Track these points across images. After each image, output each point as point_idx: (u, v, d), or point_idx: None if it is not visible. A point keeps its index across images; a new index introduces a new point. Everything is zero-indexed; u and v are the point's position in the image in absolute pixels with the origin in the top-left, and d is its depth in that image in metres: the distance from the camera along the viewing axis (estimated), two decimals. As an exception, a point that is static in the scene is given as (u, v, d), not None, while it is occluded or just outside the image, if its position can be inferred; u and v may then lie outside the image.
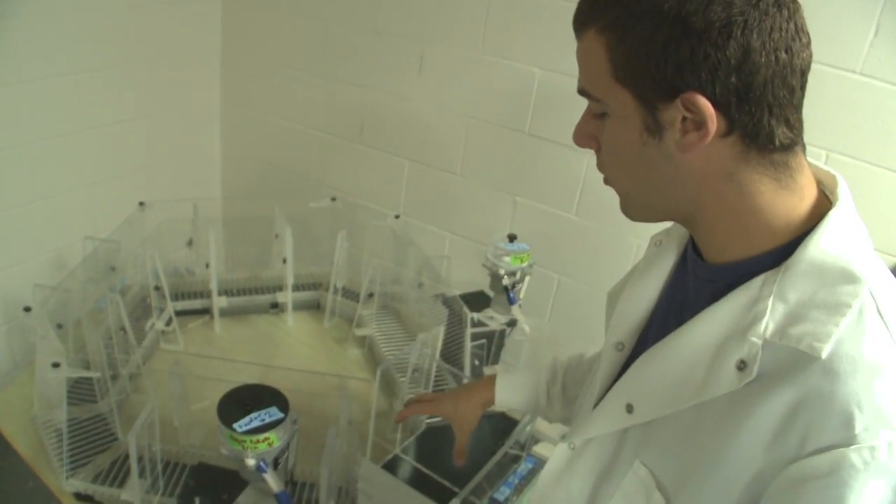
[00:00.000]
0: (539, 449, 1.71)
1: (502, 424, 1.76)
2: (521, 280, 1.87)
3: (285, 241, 2.00)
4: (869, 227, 0.75)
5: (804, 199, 0.73)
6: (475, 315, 1.81)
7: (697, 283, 0.82)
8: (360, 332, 2.03)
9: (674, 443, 0.78)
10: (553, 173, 2.15)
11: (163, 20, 2.35)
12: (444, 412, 1.35)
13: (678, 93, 0.68)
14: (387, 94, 2.35)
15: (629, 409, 0.82)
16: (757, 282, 0.72)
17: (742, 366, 0.70)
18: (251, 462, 1.20)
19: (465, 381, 1.80)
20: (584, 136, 0.81)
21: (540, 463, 1.79)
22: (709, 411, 0.73)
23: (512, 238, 1.82)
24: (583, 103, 0.81)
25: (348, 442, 1.47)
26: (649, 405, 0.80)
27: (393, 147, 2.42)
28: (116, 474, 1.48)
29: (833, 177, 0.76)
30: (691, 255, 0.84)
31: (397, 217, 2.16)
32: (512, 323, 1.88)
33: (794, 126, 0.70)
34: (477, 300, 1.96)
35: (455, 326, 1.98)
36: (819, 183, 0.76)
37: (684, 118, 0.69)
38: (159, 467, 1.44)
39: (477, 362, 1.85)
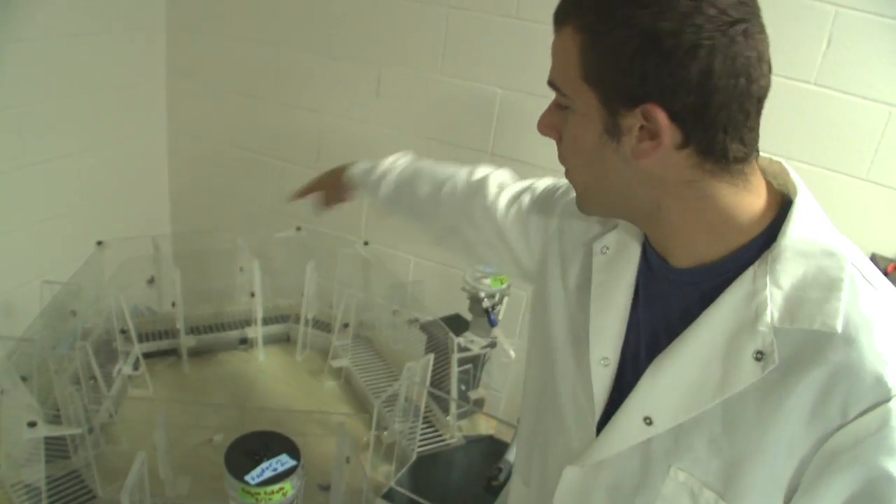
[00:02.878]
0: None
1: (492, 447, 1.75)
2: (500, 301, 1.85)
3: (253, 273, 1.94)
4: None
5: (760, 195, 0.77)
6: (461, 340, 1.79)
7: (676, 288, 0.83)
8: (335, 363, 1.97)
9: (711, 443, 0.79)
10: (518, 192, 2.15)
11: (104, 49, 2.27)
12: (319, 182, 1.61)
13: (639, 102, 0.71)
14: (343, 118, 2.31)
15: (648, 421, 0.83)
16: (747, 276, 0.75)
17: (759, 356, 0.73)
18: (266, 514, 1.15)
19: (453, 405, 1.78)
20: (548, 125, 0.84)
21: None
22: (742, 405, 0.76)
23: (490, 260, 1.81)
24: None
25: (348, 480, 1.42)
26: (670, 413, 0.81)
27: (352, 172, 2.37)
28: (101, 535, 1.40)
29: (780, 165, 0.81)
30: (657, 261, 0.85)
31: (366, 244, 2.12)
32: (492, 345, 1.87)
33: (748, 143, 0.74)
34: (455, 324, 1.94)
35: (433, 352, 1.95)
36: (770, 175, 0.81)
37: (642, 126, 0.73)
38: (151, 524, 1.36)
39: (463, 387, 1.83)
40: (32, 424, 1.31)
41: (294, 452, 1.22)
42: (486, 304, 1.80)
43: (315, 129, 2.37)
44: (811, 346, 0.71)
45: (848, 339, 0.70)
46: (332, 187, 1.56)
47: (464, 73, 2.09)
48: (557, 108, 0.82)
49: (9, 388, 1.44)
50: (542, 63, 2.06)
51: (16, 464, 1.50)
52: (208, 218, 2.73)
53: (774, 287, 0.73)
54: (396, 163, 1.42)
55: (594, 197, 0.84)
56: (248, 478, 1.15)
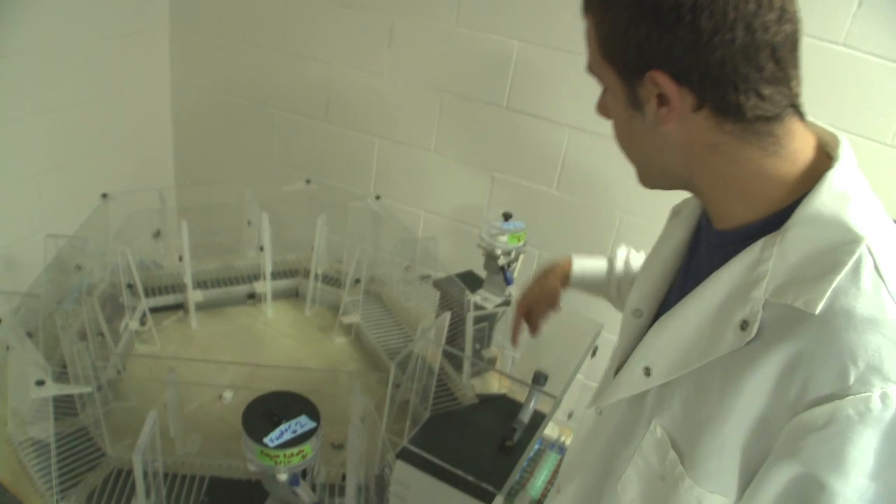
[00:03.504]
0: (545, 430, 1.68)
1: (505, 406, 1.72)
2: (516, 259, 1.81)
3: (262, 227, 1.89)
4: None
5: (797, 163, 0.74)
6: (477, 298, 1.75)
7: (710, 249, 0.84)
8: (346, 319, 1.94)
9: (685, 403, 0.81)
10: (533, 148, 2.10)
11: (106, -6, 2.18)
12: (531, 297, 1.49)
13: (644, 70, 0.73)
14: (354, 69, 2.24)
15: (647, 372, 0.85)
16: (758, 244, 0.74)
17: (744, 325, 0.73)
18: (284, 477, 1.12)
19: (467, 363, 1.75)
20: (602, 108, 0.86)
21: (546, 443, 1.76)
22: (714, 370, 0.77)
23: (507, 217, 1.76)
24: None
25: (362, 440, 1.40)
26: (664, 367, 0.83)
27: (362, 124, 2.31)
28: (111, 493, 1.37)
29: (835, 137, 0.77)
30: (705, 223, 0.87)
31: (378, 198, 2.07)
32: (506, 303, 1.83)
33: (772, 98, 0.71)
34: (468, 281, 1.90)
35: (446, 310, 1.92)
36: (824, 145, 0.77)
37: (658, 94, 0.73)
38: (162, 482, 1.33)
39: (477, 346, 1.80)
40: (41, 383, 1.28)
41: (314, 413, 1.19)
42: (503, 261, 1.76)
43: (324, 80, 2.30)
44: (788, 323, 0.70)
45: (823, 323, 0.68)
46: (549, 299, 1.48)
47: (480, 25, 2.02)
48: (604, 91, 0.84)
49: (15, 344, 1.41)
50: (561, 16, 2.00)
51: (23, 421, 1.47)
52: (214, 170, 2.67)
53: (780, 259, 0.72)
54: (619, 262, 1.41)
55: (643, 171, 0.85)
56: (266, 440, 1.12)
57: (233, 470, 1.44)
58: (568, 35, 1.91)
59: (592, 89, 0.83)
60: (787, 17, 0.70)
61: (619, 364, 0.95)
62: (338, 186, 2.42)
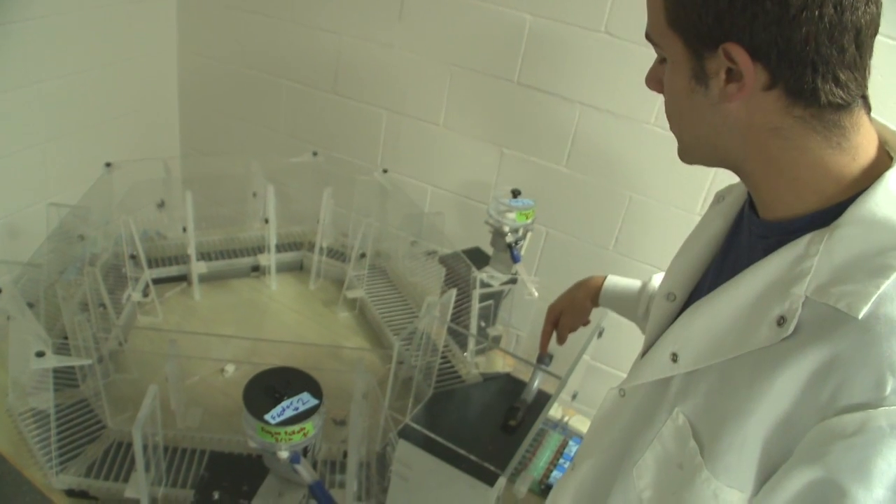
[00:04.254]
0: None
1: (509, 386, 1.71)
2: (524, 237, 1.79)
3: (267, 199, 1.87)
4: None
5: (857, 158, 0.71)
6: (483, 276, 1.73)
7: (751, 239, 0.82)
8: (350, 294, 1.92)
9: (710, 394, 0.79)
10: (543, 124, 2.06)
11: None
12: (561, 307, 1.51)
13: (719, 42, 0.69)
14: (364, 40, 2.20)
15: (674, 357, 0.83)
16: (804, 239, 0.71)
17: (781, 321, 0.70)
18: (285, 455, 1.10)
19: (472, 341, 1.73)
20: (653, 80, 0.83)
21: (549, 423, 1.74)
22: (744, 364, 0.74)
23: (516, 193, 1.74)
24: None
25: (364, 417, 1.38)
26: (692, 355, 0.81)
27: (370, 97, 2.28)
28: (111, 466, 1.37)
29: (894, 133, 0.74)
30: (748, 211, 0.84)
31: (385, 172, 2.04)
32: (513, 281, 1.81)
33: (847, 85, 0.68)
34: (474, 258, 1.87)
35: (452, 286, 1.90)
36: (884, 143, 0.74)
37: (728, 69, 0.70)
38: (161, 456, 1.33)
39: (482, 323, 1.78)
40: (41, 354, 1.26)
41: (316, 391, 1.17)
42: (510, 238, 1.74)
43: (333, 51, 2.26)
44: (827, 324, 0.67)
45: (864, 328, 0.65)
46: (578, 312, 1.50)
47: (492, -4, 1.98)
48: (658, 63, 0.81)
49: (16, 314, 1.39)
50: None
51: (23, 392, 1.46)
52: (220, 141, 2.65)
53: (825, 256, 0.69)
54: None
55: (690, 147, 0.82)
56: (268, 417, 1.10)
57: (233, 445, 1.43)
58: (581, 10, 1.87)
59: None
60: (871, 0, 0.66)
61: (648, 347, 0.93)
62: (345, 159, 2.39)
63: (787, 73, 0.67)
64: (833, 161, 0.71)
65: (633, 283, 1.41)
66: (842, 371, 0.65)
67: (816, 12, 0.64)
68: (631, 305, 1.39)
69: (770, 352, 0.71)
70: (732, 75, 0.70)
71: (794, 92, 0.68)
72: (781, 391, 0.69)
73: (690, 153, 0.82)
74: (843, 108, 0.69)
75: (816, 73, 0.66)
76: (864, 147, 0.71)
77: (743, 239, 0.86)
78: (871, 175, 0.70)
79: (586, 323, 1.52)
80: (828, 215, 0.71)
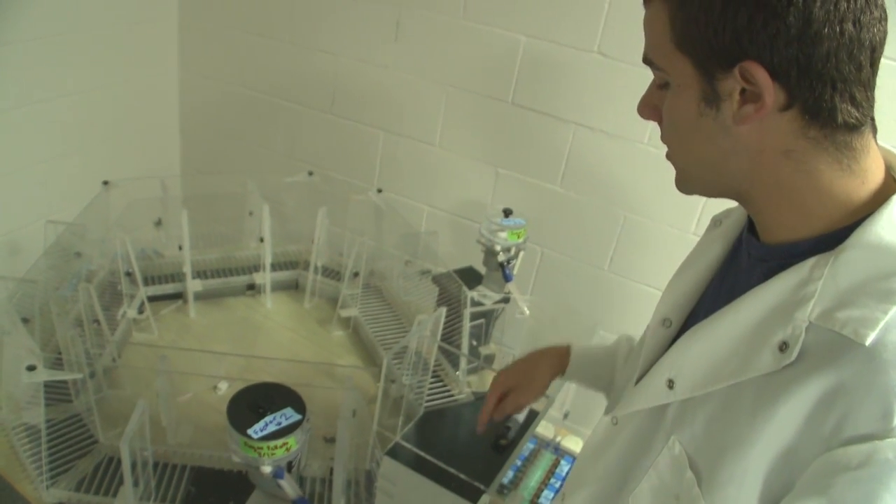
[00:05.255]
0: (538, 429, 1.67)
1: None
2: (516, 256, 1.80)
3: (262, 218, 1.89)
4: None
5: (867, 182, 0.69)
6: (474, 295, 1.74)
7: (751, 262, 0.80)
8: (344, 312, 1.93)
9: (708, 422, 0.76)
10: (538, 144, 2.08)
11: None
12: (511, 381, 1.28)
13: (736, 62, 0.66)
14: (360, 61, 2.23)
15: (670, 384, 0.80)
16: (808, 263, 0.69)
17: (784, 347, 0.67)
18: (268, 469, 1.11)
19: (463, 360, 1.74)
20: (648, 107, 0.79)
21: (541, 443, 1.74)
22: (744, 391, 0.71)
23: (507, 213, 1.75)
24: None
25: (353, 434, 1.39)
26: (690, 382, 0.78)
27: (367, 117, 2.30)
28: (101, 480, 1.38)
29: None
30: (746, 235, 0.81)
31: (380, 191, 2.06)
32: (505, 300, 1.82)
33: (861, 104, 0.66)
34: (467, 277, 1.89)
35: (445, 305, 1.91)
36: (890, 168, 0.72)
37: (743, 89, 0.67)
38: (151, 471, 1.33)
39: (475, 342, 1.78)
40: (31, 368, 1.28)
41: (299, 406, 1.18)
42: (502, 257, 1.75)
43: (330, 72, 2.29)
44: (832, 350, 0.65)
45: (871, 356, 0.62)
46: (532, 389, 1.28)
47: (486, 19, 2.00)
48: (656, 87, 0.78)
49: (9, 329, 1.41)
50: (569, 11, 1.97)
51: (17, 406, 1.48)
52: (219, 160, 2.67)
53: (830, 281, 0.67)
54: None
55: (691, 176, 0.79)
56: (250, 431, 1.11)
57: (223, 462, 1.43)
58: (574, 31, 1.89)
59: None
60: (882, 18, 0.65)
61: (642, 373, 0.90)
62: (340, 178, 2.41)
63: (806, 92, 0.65)
64: (841, 184, 0.69)
65: (602, 348, 1.28)
66: (847, 400, 0.63)
67: (837, 28, 0.62)
68: (603, 371, 1.25)
69: (772, 379, 0.69)
70: (747, 96, 0.67)
71: (812, 112, 0.66)
72: (784, 420, 0.67)
73: (692, 181, 0.80)
74: (856, 129, 0.67)
75: (835, 92, 0.64)
76: (873, 170, 0.70)
77: (741, 262, 0.83)
78: (878, 199, 0.69)
79: (539, 400, 1.33)
80: (832, 239, 0.69)
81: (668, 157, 0.80)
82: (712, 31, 0.66)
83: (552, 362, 1.28)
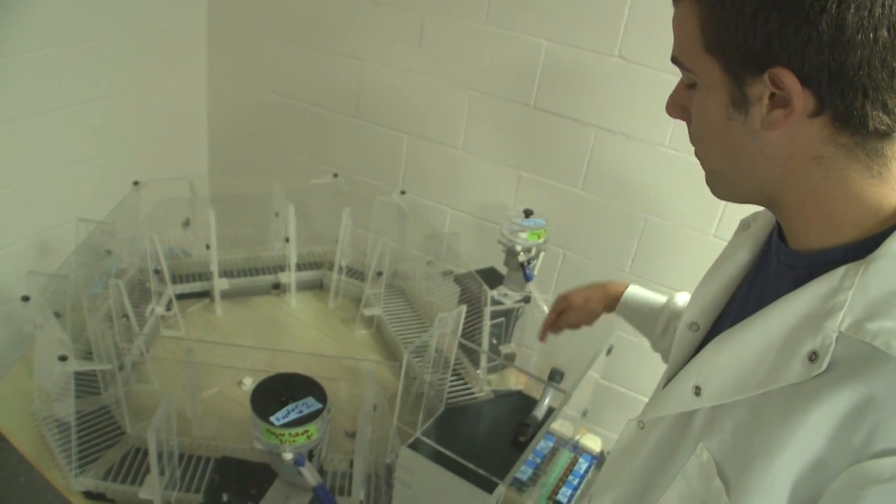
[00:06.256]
0: (557, 427, 1.68)
1: (521, 403, 1.72)
2: (536, 256, 1.82)
3: (288, 219, 1.92)
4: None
5: None
6: (494, 294, 1.76)
7: (779, 269, 0.79)
8: (367, 311, 1.96)
9: (737, 430, 0.75)
10: (559, 147, 2.10)
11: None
12: (570, 302, 1.48)
13: (766, 67, 0.65)
14: (385, 66, 2.27)
15: (697, 391, 0.79)
16: (839, 272, 0.68)
17: (814, 357, 0.67)
18: (289, 456, 1.14)
19: (484, 358, 1.75)
20: (676, 106, 0.78)
21: (559, 441, 1.76)
22: (773, 401, 0.71)
23: (528, 213, 1.77)
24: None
25: (374, 428, 1.41)
26: (717, 389, 0.77)
27: (391, 121, 2.34)
28: (129, 470, 1.41)
29: None
30: (776, 240, 0.81)
31: (403, 193, 2.09)
32: (526, 300, 1.84)
33: (893, 112, 0.64)
34: (489, 277, 1.91)
35: (466, 305, 1.93)
36: None
37: (772, 94, 0.66)
38: (176, 461, 1.37)
39: (495, 341, 1.80)
40: (63, 358, 1.32)
41: (321, 395, 1.21)
42: (522, 257, 1.76)
43: (355, 77, 2.33)
44: (862, 361, 0.64)
45: None
46: (586, 313, 1.47)
47: (509, 24, 2.03)
48: (683, 87, 0.77)
49: (42, 323, 1.45)
50: (589, 16, 1.99)
51: (48, 398, 1.52)
52: (246, 163, 2.72)
53: (861, 290, 0.66)
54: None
55: (722, 179, 0.78)
56: (273, 418, 1.14)
57: (246, 453, 1.47)
58: (595, 35, 1.91)
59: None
60: None
61: (669, 377, 0.90)
62: (364, 181, 2.45)
63: (837, 100, 0.64)
64: (873, 192, 0.68)
65: (656, 298, 1.37)
66: (878, 412, 0.62)
67: (871, 35, 0.60)
68: (649, 321, 1.35)
69: (801, 389, 0.68)
70: (776, 101, 0.66)
71: (842, 119, 0.65)
72: (813, 430, 0.66)
73: (721, 184, 0.79)
74: (887, 136, 0.66)
75: (867, 99, 0.63)
76: None
77: (770, 268, 0.83)
78: None
79: (590, 324, 1.49)
80: (863, 247, 0.68)
81: (697, 156, 0.80)
82: (742, 37, 0.65)
83: (607, 297, 1.43)
